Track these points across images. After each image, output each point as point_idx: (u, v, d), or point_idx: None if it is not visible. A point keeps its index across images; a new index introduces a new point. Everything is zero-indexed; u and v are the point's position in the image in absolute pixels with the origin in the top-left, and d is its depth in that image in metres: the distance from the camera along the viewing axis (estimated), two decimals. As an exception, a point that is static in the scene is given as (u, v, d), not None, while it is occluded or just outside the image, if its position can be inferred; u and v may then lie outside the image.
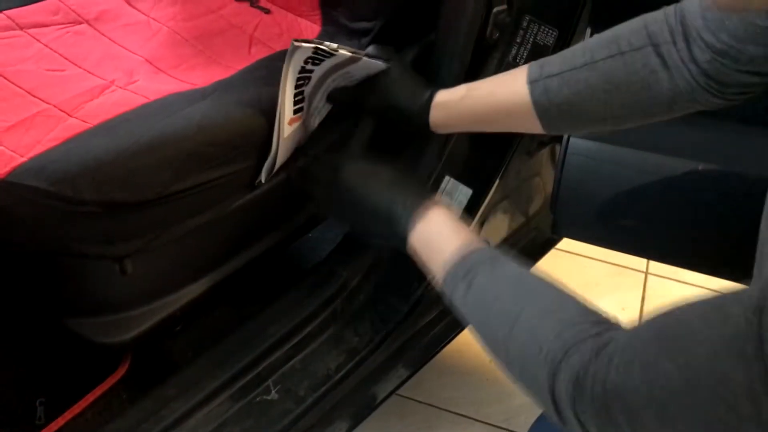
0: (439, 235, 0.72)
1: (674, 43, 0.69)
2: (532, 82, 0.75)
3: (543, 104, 0.75)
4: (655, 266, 1.60)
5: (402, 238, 0.75)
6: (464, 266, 0.67)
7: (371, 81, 0.86)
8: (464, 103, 0.81)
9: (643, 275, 1.60)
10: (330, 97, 0.87)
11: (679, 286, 1.57)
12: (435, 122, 0.83)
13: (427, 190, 0.85)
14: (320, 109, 0.89)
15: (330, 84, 0.86)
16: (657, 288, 1.57)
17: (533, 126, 0.77)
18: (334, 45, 0.79)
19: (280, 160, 0.86)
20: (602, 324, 0.56)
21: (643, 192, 1.01)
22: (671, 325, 0.48)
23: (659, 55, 0.70)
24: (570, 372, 0.53)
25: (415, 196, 0.76)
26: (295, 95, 0.82)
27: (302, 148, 0.90)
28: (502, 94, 0.79)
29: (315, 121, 0.90)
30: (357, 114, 0.91)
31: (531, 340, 0.58)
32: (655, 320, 0.50)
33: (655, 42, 0.70)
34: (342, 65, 0.83)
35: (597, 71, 0.72)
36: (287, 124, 0.83)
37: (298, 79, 0.81)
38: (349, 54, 0.81)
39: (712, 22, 0.66)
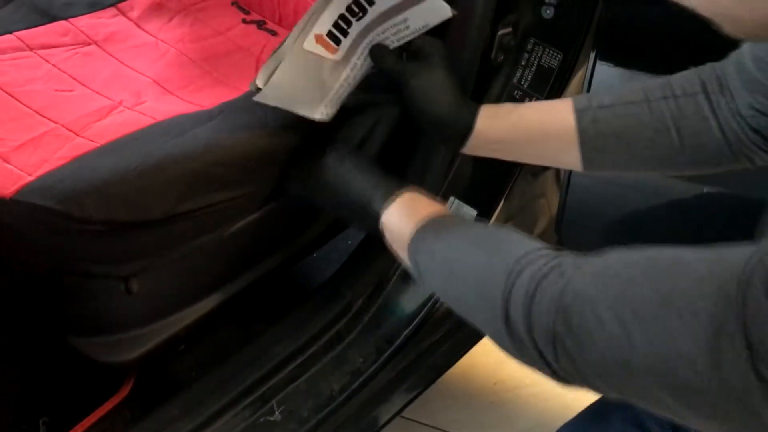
0: (407, 209, 0.74)
1: (722, 93, 0.70)
2: (579, 110, 0.74)
3: (589, 133, 0.74)
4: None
5: (375, 220, 0.76)
6: (428, 227, 0.68)
7: (423, 63, 0.80)
8: (510, 118, 0.79)
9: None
10: (374, 59, 0.80)
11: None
12: (481, 131, 0.79)
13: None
14: (359, 66, 0.81)
15: (380, 34, 0.79)
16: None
17: (572, 158, 0.76)
18: None
19: (283, 75, 0.76)
20: (554, 249, 0.57)
21: (649, 214, 1.02)
22: (664, 256, 0.48)
23: (710, 103, 0.70)
24: (527, 280, 0.53)
25: (390, 182, 0.78)
26: (340, 18, 0.75)
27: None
28: (548, 118, 0.77)
29: (350, 78, 0.81)
30: (386, 104, 0.89)
31: (487, 267, 0.59)
32: (649, 250, 0.50)
33: (707, 90, 0.71)
34: (401, 7, 0.76)
35: (649, 109, 0.72)
36: (312, 37, 0.75)
37: (349, 5, 0.74)
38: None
39: (747, 83, 0.67)
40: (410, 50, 0.81)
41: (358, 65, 0.81)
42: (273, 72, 0.76)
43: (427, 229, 0.69)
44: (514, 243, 0.59)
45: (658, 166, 0.75)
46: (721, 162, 0.72)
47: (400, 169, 0.94)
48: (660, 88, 0.73)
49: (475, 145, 0.80)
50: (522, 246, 0.58)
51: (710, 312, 0.41)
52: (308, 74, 0.78)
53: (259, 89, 0.76)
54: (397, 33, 0.79)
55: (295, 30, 0.75)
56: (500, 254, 0.58)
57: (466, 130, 0.79)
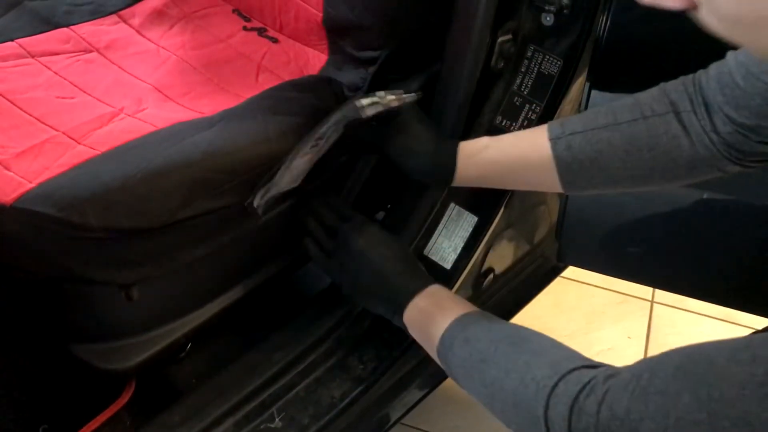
0: (435, 305, 0.77)
1: (694, 112, 0.71)
2: (554, 139, 0.77)
3: (565, 160, 0.77)
4: (662, 295, 1.59)
5: (398, 309, 0.80)
6: (459, 325, 0.71)
7: (395, 124, 0.87)
8: (488, 153, 0.83)
9: (649, 304, 1.59)
10: (346, 129, 0.86)
11: (686, 315, 1.56)
12: (463, 172, 0.84)
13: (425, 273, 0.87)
14: (330, 137, 0.89)
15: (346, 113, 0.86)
16: (663, 317, 1.56)
17: (552, 183, 0.79)
18: (391, 96, 0.82)
19: (280, 188, 0.86)
20: (593, 361, 0.59)
21: (648, 220, 1.02)
22: (693, 360, 0.48)
23: (680, 122, 0.71)
24: (568, 395, 0.53)
25: (416, 272, 0.83)
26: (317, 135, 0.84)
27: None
28: (524, 148, 0.81)
29: (322, 150, 0.90)
30: (366, 151, 0.93)
31: (526, 374, 0.60)
32: (673, 354, 0.50)
33: (677, 110, 0.72)
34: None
35: (620, 132, 0.74)
36: (300, 157, 0.84)
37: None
38: (398, 103, 0.83)
39: (732, 99, 0.67)
40: (380, 116, 0.86)
41: (331, 136, 0.87)
42: (268, 192, 0.85)
43: (456, 331, 0.71)
44: (546, 354, 0.61)
45: (632, 185, 0.77)
46: (693, 176, 0.74)
47: (398, 180, 0.94)
48: (629, 110, 0.74)
49: (460, 182, 0.85)
50: (554, 356, 0.60)
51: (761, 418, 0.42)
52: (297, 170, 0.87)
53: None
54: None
55: (287, 158, 0.84)
56: (533, 369, 0.60)
57: (448, 175, 0.85)
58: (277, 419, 0.92)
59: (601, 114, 0.76)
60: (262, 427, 0.91)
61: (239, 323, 1.02)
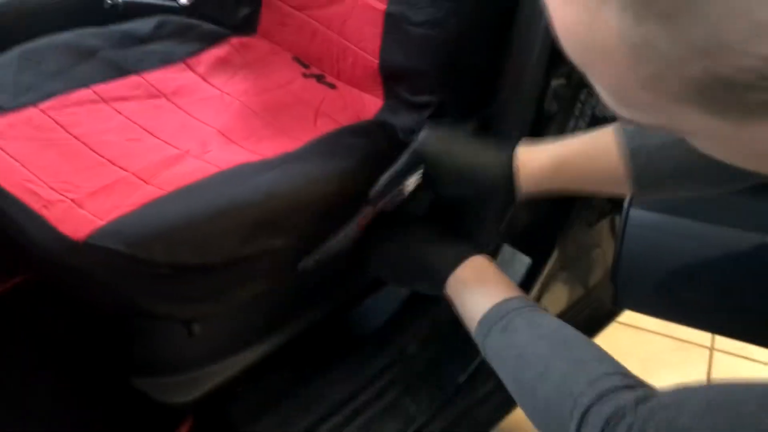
0: (477, 281, 0.74)
1: None
2: (633, 150, 0.72)
3: (643, 171, 0.72)
4: (721, 342, 1.54)
5: (439, 283, 0.76)
6: (500, 311, 0.69)
7: (443, 153, 0.80)
8: (553, 149, 0.77)
9: (708, 351, 1.55)
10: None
11: (747, 363, 1.51)
12: (528, 175, 0.77)
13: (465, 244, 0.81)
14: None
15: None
16: (723, 365, 1.52)
17: (620, 181, 0.73)
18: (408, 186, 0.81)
19: (329, 253, 0.87)
20: (633, 378, 0.57)
21: (707, 265, 1.00)
22: (724, 400, 0.47)
23: None
24: (601, 417, 0.53)
25: (453, 245, 0.78)
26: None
27: None
28: (591, 145, 0.75)
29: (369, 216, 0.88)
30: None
31: (562, 384, 0.59)
32: (707, 390, 0.49)
33: None
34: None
35: None
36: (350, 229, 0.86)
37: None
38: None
39: None
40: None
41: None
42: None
43: (497, 316, 0.69)
44: (586, 367, 0.60)
45: (705, 187, 0.74)
46: None
47: (452, 220, 0.96)
48: None
49: (525, 186, 0.78)
50: (594, 371, 0.59)
51: None
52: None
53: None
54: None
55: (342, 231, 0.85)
56: (570, 383, 0.59)
57: (507, 183, 0.77)
58: (331, 457, 0.93)
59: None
60: (316, 464, 0.92)
61: (295, 360, 1.03)
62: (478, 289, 0.73)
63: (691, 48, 0.30)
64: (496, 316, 0.69)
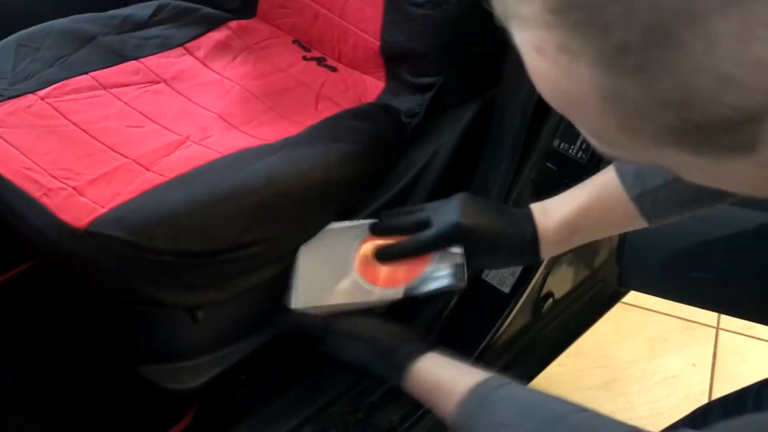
0: (443, 368, 0.73)
1: None
2: (637, 198, 0.74)
3: (652, 211, 0.75)
4: (728, 321, 1.54)
5: (398, 372, 0.75)
6: (479, 393, 0.66)
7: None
8: (564, 213, 0.79)
9: (714, 330, 1.55)
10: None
11: (753, 342, 1.51)
12: (548, 244, 0.79)
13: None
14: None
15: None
16: (729, 344, 1.52)
17: (634, 223, 0.77)
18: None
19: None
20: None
21: (713, 244, 0.99)
22: None
23: None
24: None
25: (414, 339, 0.78)
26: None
27: None
28: (597, 202, 0.77)
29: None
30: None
31: None
32: None
33: None
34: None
35: None
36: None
37: None
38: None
39: None
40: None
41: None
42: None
43: (475, 402, 0.66)
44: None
45: (716, 203, 0.75)
46: None
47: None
48: None
49: (552, 249, 0.81)
50: None
51: None
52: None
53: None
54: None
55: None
56: None
57: (532, 249, 0.79)
58: (337, 442, 0.93)
59: None
60: (322, 449, 0.92)
61: (300, 346, 1.03)
62: (447, 375, 0.71)
63: (661, 99, 0.31)
64: (477, 396, 0.66)
